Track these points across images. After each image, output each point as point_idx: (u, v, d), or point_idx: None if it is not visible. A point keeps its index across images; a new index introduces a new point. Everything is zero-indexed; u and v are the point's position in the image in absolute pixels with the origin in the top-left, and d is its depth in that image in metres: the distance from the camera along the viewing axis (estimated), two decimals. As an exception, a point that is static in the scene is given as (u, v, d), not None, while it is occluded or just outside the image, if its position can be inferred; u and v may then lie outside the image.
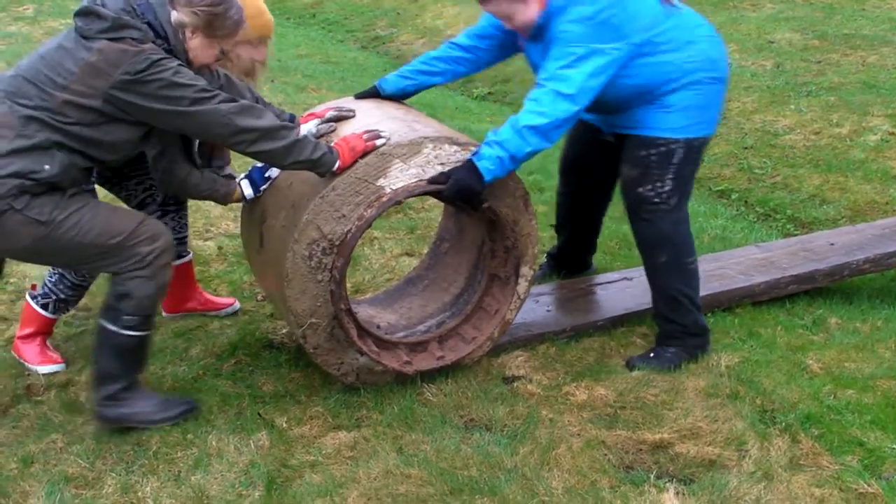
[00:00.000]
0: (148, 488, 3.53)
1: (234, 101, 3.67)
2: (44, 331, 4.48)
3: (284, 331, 4.68)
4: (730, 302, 5.06)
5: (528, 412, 4.01)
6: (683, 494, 3.51)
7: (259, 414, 3.98)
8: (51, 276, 4.43)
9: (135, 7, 3.65)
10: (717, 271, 5.29)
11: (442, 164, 4.02)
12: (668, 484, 3.57)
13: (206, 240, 5.66)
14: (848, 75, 9.59)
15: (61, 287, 4.40)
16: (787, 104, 8.96)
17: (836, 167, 7.74)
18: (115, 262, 3.74)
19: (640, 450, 3.83)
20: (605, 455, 3.76)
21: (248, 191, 4.15)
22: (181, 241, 4.61)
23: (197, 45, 3.75)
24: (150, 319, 3.85)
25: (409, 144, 3.97)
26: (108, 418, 3.91)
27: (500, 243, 4.36)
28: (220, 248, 5.54)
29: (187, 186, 4.08)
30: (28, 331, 4.46)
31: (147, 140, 3.84)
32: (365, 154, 3.90)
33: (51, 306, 4.44)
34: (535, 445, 3.78)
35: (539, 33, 4.33)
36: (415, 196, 4.08)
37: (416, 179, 3.98)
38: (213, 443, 3.78)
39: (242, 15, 3.81)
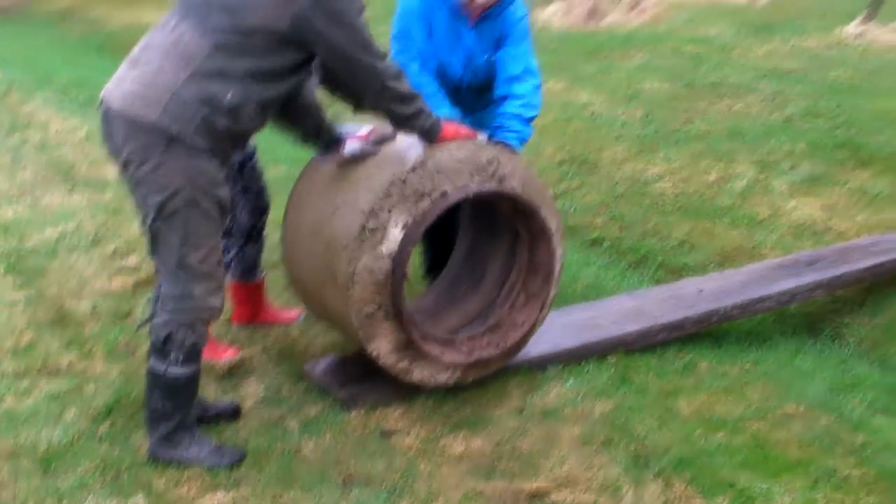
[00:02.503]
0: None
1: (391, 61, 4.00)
2: None
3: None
4: (603, 351, 5.15)
5: (407, 466, 4.04)
6: (560, 542, 3.57)
7: (136, 476, 3.95)
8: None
9: None
10: (591, 321, 5.39)
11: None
12: (544, 533, 3.63)
13: (80, 299, 5.59)
14: (715, 123, 9.84)
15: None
16: (656, 152, 9.15)
17: (705, 214, 7.94)
18: (174, 278, 3.83)
19: (518, 500, 3.88)
20: (483, 506, 3.81)
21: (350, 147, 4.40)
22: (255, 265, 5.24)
23: None
24: (196, 357, 3.95)
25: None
26: (163, 459, 3.99)
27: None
28: (94, 307, 5.47)
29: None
30: None
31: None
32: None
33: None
34: (414, 499, 3.81)
35: (484, 20, 4.86)
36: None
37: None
38: (90, 507, 3.74)
39: None
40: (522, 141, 4.88)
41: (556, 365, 4.96)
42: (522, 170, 4.58)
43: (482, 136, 4.53)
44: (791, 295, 5.93)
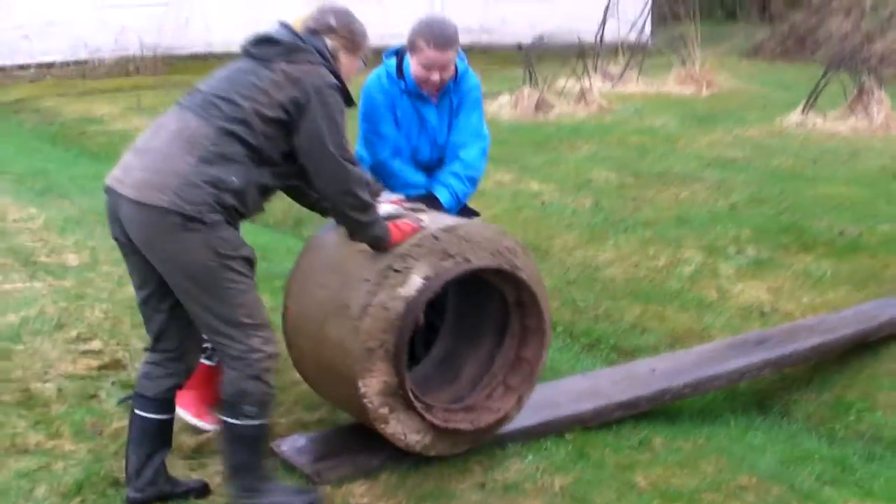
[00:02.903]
0: None
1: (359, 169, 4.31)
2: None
3: (129, 469, 4.72)
4: (560, 429, 5.29)
5: (374, 539, 4.16)
6: None
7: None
8: None
9: (300, 36, 4.23)
10: (548, 400, 5.52)
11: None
12: None
13: (46, 381, 5.66)
14: (662, 211, 10.11)
15: None
16: (606, 239, 9.38)
17: (655, 297, 8.15)
18: (230, 338, 4.10)
19: (484, 569, 4.00)
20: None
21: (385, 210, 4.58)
22: None
23: (345, 64, 4.38)
24: (269, 406, 4.26)
25: None
26: None
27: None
28: (60, 389, 5.55)
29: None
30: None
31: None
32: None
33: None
34: (384, 569, 3.92)
35: (444, 95, 5.24)
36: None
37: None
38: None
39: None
40: (455, 196, 5.26)
41: (516, 442, 5.09)
42: (533, 266, 4.89)
43: (426, 221, 4.66)
44: (741, 373, 6.12)
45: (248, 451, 4.23)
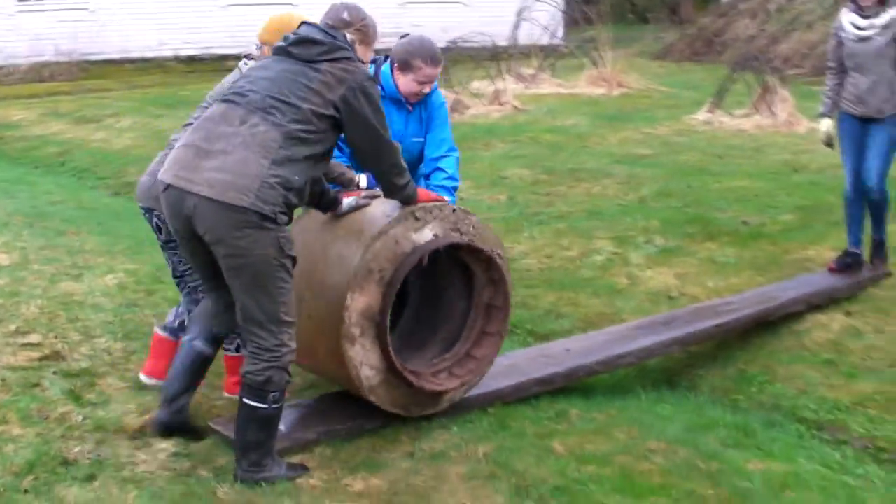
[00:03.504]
0: None
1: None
2: None
3: (77, 448, 4.96)
4: (482, 404, 5.62)
5: (313, 503, 4.46)
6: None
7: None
8: None
9: (333, 34, 4.67)
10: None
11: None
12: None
13: (-11, 372, 5.88)
14: (574, 205, 10.52)
15: None
16: (521, 232, 9.75)
17: (569, 285, 8.52)
18: (268, 332, 4.54)
19: (415, 526, 4.32)
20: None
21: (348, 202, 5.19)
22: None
23: (361, 54, 4.84)
24: (284, 394, 4.69)
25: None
26: (253, 481, 4.61)
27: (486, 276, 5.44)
28: (3, 379, 5.75)
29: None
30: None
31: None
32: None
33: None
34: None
35: (417, 105, 5.80)
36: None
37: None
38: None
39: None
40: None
41: (441, 417, 5.43)
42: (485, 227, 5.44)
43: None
44: (650, 351, 6.53)
45: (264, 431, 4.65)
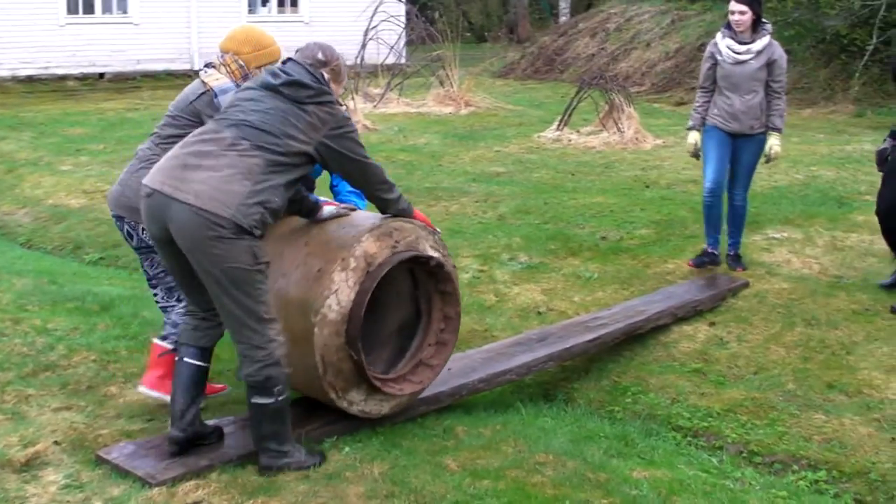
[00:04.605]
0: None
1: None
2: None
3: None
4: (372, 424, 5.68)
5: (216, 528, 4.47)
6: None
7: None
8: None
9: (318, 78, 5.08)
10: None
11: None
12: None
13: None
14: (435, 223, 10.57)
15: None
16: (385, 252, 9.82)
17: (438, 304, 8.63)
18: (253, 330, 4.89)
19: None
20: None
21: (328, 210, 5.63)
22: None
23: (335, 90, 5.24)
24: (288, 385, 5.03)
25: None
26: (275, 468, 5.01)
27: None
28: None
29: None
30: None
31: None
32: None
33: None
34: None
35: None
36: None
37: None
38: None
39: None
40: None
41: (332, 436, 5.47)
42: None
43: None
44: (528, 367, 6.67)
45: (276, 422, 5.02)
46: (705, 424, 6.58)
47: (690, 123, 8.82)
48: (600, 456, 5.59)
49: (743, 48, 8.38)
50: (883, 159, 8.13)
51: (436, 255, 5.72)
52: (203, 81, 5.74)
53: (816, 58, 19.52)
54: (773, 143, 8.56)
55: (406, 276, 5.88)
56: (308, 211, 5.55)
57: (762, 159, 8.68)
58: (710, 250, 8.83)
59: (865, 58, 18.23)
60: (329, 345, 5.29)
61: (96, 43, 23.98)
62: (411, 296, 5.95)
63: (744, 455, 6.28)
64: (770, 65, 8.36)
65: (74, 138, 16.28)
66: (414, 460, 5.25)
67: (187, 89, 5.81)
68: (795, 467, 6.15)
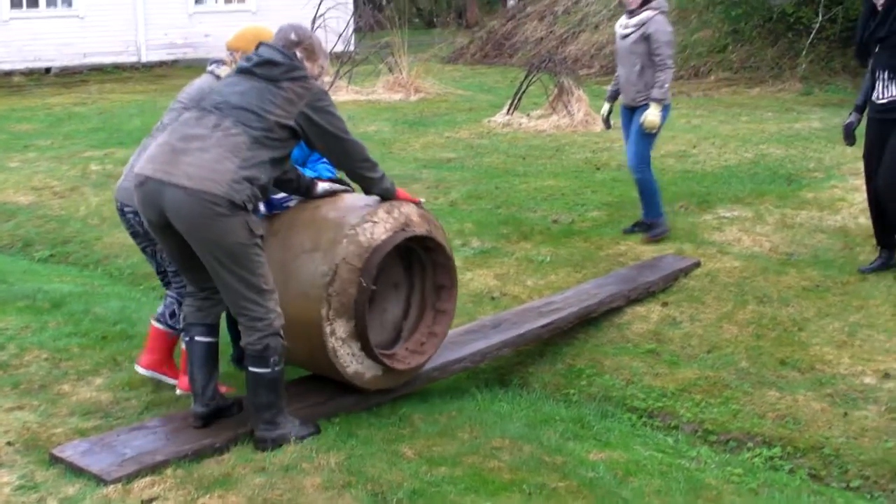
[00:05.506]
0: None
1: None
2: None
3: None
4: (326, 415, 5.66)
5: (173, 524, 4.45)
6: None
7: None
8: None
9: (288, 55, 5.27)
10: (314, 388, 5.90)
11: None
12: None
13: None
14: (388, 211, 10.62)
15: None
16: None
17: (391, 292, 8.63)
18: (253, 302, 5.10)
19: (278, 541, 4.35)
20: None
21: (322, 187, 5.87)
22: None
23: (309, 69, 5.38)
24: (284, 355, 5.26)
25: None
26: (269, 440, 5.21)
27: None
28: None
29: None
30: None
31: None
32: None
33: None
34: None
35: None
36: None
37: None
38: None
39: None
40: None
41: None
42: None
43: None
44: (482, 354, 6.68)
45: (272, 392, 5.23)
46: (660, 405, 6.63)
47: (606, 96, 9.54)
48: (556, 439, 5.62)
49: (625, 22, 8.86)
50: (850, 133, 8.16)
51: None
52: (216, 75, 5.96)
53: (763, 37, 19.62)
54: (648, 112, 8.71)
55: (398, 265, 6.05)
56: (304, 188, 5.75)
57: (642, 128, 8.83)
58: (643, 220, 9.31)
59: (812, 36, 18.36)
60: (348, 260, 5.47)
61: (42, 37, 23.67)
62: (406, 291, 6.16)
63: (699, 434, 6.33)
64: (647, 38, 8.63)
65: (21, 134, 16.10)
66: (370, 449, 5.25)
67: (200, 82, 6.02)
68: (750, 444, 6.20)
